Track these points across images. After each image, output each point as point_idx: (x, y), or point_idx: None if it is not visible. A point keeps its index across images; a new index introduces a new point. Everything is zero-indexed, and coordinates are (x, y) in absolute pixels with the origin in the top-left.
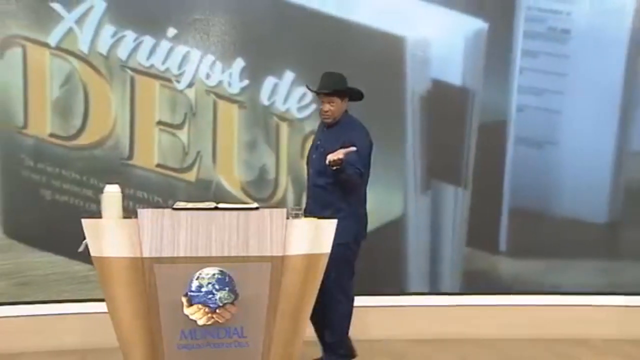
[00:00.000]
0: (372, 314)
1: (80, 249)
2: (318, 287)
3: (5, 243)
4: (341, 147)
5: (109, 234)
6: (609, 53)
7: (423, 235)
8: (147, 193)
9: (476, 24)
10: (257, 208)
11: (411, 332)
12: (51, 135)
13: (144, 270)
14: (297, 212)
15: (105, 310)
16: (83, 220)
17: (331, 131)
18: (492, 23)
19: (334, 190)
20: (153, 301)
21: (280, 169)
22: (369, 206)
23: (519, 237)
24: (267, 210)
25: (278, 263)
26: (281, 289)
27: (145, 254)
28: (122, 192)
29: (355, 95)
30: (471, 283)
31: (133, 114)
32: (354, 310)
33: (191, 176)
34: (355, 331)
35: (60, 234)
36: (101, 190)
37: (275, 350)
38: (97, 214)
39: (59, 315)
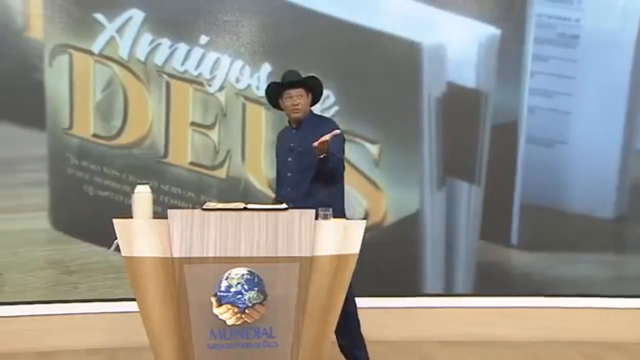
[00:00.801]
0: (391, 315)
1: (112, 249)
2: (347, 287)
3: (53, 235)
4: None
5: (140, 234)
6: (615, 57)
7: (438, 228)
8: (181, 189)
9: (489, 30)
10: (285, 209)
11: (434, 334)
12: (94, 135)
13: (174, 270)
14: (326, 213)
15: (136, 309)
16: (114, 221)
17: (302, 130)
18: (505, 29)
19: (318, 193)
20: (183, 301)
21: None
22: (389, 202)
23: (530, 231)
24: (296, 211)
25: (307, 263)
26: (310, 290)
27: (175, 254)
28: (158, 188)
29: (315, 92)
30: (484, 274)
31: (168, 115)
32: (372, 312)
33: (222, 173)
34: (375, 333)
35: (102, 226)
36: None
37: (304, 351)
38: None
39: (92, 313)
